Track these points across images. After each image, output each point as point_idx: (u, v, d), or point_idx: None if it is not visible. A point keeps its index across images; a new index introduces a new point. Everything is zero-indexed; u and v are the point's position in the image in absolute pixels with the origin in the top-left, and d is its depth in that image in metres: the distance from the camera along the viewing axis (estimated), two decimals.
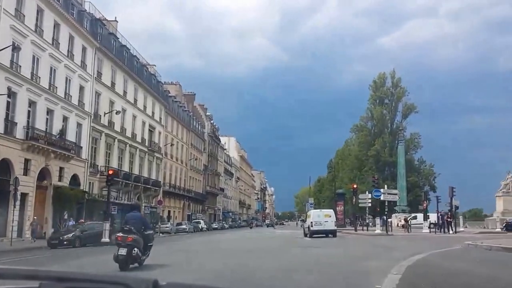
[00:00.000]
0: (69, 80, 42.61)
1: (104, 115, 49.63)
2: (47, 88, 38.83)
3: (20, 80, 34.92)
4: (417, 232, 44.60)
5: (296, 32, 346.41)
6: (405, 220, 49.69)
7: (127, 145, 55.50)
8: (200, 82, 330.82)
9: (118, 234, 14.22)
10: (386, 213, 45.25)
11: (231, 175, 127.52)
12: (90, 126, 46.43)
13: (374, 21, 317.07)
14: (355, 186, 52.31)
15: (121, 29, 59.12)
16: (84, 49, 45.45)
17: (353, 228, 53.57)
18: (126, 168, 55.01)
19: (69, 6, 42.82)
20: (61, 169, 41.14)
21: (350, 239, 35.89)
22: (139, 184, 57.79)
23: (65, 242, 29.10)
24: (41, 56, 37.85)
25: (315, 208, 61.09)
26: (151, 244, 14.85)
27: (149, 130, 63.08)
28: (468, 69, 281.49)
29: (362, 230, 49.49)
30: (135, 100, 58.27)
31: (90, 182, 46.69)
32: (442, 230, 44.39)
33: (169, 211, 71.66)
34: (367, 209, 50.12)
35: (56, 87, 40.29)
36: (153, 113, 64.58)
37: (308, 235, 37.50)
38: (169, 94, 74.91)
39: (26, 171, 35.90)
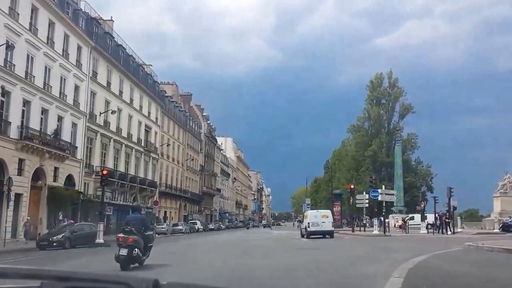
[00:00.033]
0: (64, 79, 42.21)
1: (100, 115, 49.23)
2: (42, 87, 38.43)
3: (14, 79, 34.51)
4: (414, 233, 44.29)
5: (294, 32, 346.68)
6: (403, 220, 49.36)
7: (123, 145, 55.12)
8: (198, 82, 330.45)
9: (119, 235, 14.37)
10: (383, 213, 44.92)
11: (228, 175, 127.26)
12: (85, 126, 46.03)
13: (372, 21, 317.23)
14: (352, 186, 51.99)
15: (118, 30, 58.86)
16: (79, 48, 45.06)
17: (350, 228, 53.30)
18: (121, 168, 54.64)
19: (64, 4, 42.45)
20: (56, 169, 40.75)
21: (348, 240, 35.53)
22: (135, 185, 57.42)
23: (54, 244, 28.37)
24: (36, 55, 37.45)
25: (312, 209, 60.77)
26: (151, 244, 15.15)
27: (145, 130, 62.70)
28: (467, 69, 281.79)
29: (359, 231, 49.17)
30: (131, 100, 57.89)
31: (85, 183, 46.31)
32: (440, 230, 44.11)
33: (165, 212, 71.32)
34: (364, 209, 49.90)
35: (51, 87, 39.89)
36: (149, 113, 64.21)
37: (305, 236, 37.22)
38: (166, 94, 74.61)
39: (20, 171, 35.49)
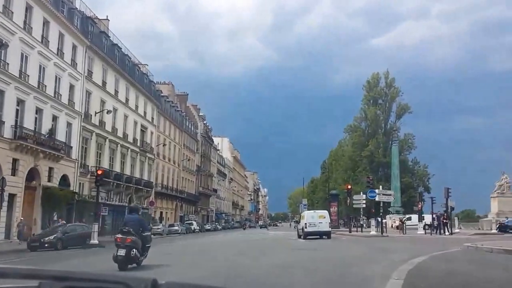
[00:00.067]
0: (59, 78, 41.81)
1: (95, 115, 48.83)
2: (36, 86, 38.03)
3: (8, 78, 34.12)
4: (412, 234, 44.04)
5: (291, 32, 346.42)
6: (401, 221, 49.13)
7: (119, 145, 54.73)
8: (194, 82, 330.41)
9: (117, 236, 14.59)
10: (381, 214, 44.66)
11: (224, 176, 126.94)
12: (80, 125, 45.65)
13: (368, 21, 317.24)
14: (349, 186, 51.75)
15: (114, 29, 58.46)
16: (74, 48, 44.66)
17: (347, 229, 53.09)
18: (117, 168, 54.28)
19: (59, 3, 42.06)
20: (50, 169, 40.36)
21: (345, 240, 35.26)
22: (131, 185, 57.06)
23: (46, 245, 27.82)
24: (30, 54, 37.06)
25: (308, 209, 60.45)
26: (149, 245, 15.35)
27: (141, 130, 62.31)
28: (464, 69, 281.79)
29: (357, 231, 48.97)
30: (127, 100, 57.51)
31: (80, 183, 45.92)
32: (438, 231, 43.87)
33: (161, 212, 70.95)
34: (361, 210, 49.66)
35: (46, 86, 39.49)
36: (145, 113, 63.83)
37: (302, 237, 36.95)
38: (162, 94, 74.23)
39: (14, 171, 35.11)
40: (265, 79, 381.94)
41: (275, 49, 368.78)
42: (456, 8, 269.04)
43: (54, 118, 41.15)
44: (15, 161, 35.20)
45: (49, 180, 40.11)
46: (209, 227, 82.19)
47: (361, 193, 49.12)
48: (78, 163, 45.24)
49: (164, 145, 71.70)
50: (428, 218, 49.07)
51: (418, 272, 12.34)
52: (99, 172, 35.78)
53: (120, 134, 55.27)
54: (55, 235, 28.86)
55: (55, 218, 38.49)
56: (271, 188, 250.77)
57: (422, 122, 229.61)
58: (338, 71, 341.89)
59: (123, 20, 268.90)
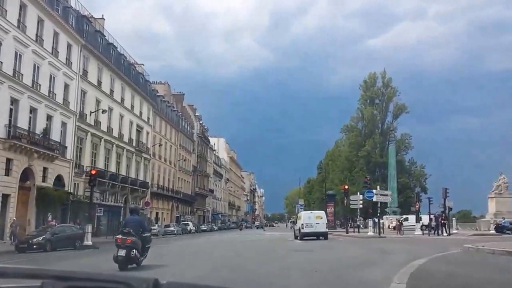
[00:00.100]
0: (54, 77, 41.38)
1: (90, 114, 48.39)
2: (30, 85, 37.60)
3: (2, 77, 33.71)
4: (409, 234, 43.71)
5: (287, 33, 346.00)
6: (399, 221, 48.80)
7: (114, 145, 54.28)
8: (191, 82, 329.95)
9: (117, 236, 14.92)
10: (378, 214, 44.33)
11: (221, 176, 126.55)
12: (75, 125, 45.23)
13: (365, 22, 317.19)
14: (346, 187, 51.42)
15: (111, 30, 57.95)
16: (69, 46, 44.23)
17: (344, 230, 52.81)
18: (112, 168, 53.82)
19: (53, 2, 41.67)
20: (45, 169, 39.94)
21: (343, 241, 34.88)
22: (126, 185, 56.64)
23: (34, 246, 27.08)
24: (24, 53, 36.66)
25: (305, 210, 60.11)
26: (148, 245, 15.62)
27: (136, 130, 61.86)
28: (460, 70, 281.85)
29: (354, 232, 48.70)
30: (122, 99, 57.06)
31: (75, 183, 45.46)
32: (436, 232, 43.54)
33: (157, 213, 70.54)
34: (358, 210, 49.36)
35: (40, 85, 39.04)
36: (140, 112, 63.40)
37: (298, 238, 36.59)
38: (158, 94, 73.80)
39: (8, 171, 34.73)
40: (262, 80, 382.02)
41: (272, 50, 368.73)
42: (453, 9, 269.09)
43: (49, 118, 40.73)
44: (8, 161, 34.79)
45: (43, 180, 39.69)
46: (205, 228, 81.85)
47: (358, 193, 48.78)
48: (73, 163, 44.80)
49: (160, 145, 71.30)
50: (425, 219, 48.81)
51: (420, 275, 11.97)
52: (93, 172, 35.41)
53: (115, 134, 54.82)
54: (43, 236, 28.14)
55: (50, 218, 37.92)
56: (267, 188, 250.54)
57: (418, 122, 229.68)
58: (334, 71, 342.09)
59: (120, 20, 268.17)
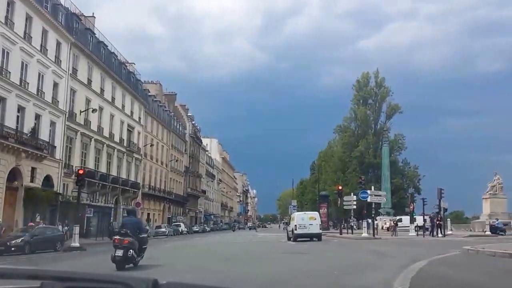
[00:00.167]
0: (42, 76, 40.56)
1: (80, 114, 47.59)
2: (18, 84, 36.77)
3: None
4: (404, 236, 43.17)
5: (280, 34, 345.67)
6: (394, 222, 48.33)
7: (104, 145, 53.47)
8: (184, 84, 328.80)
9: (115, 237, 15.38)
10: (373, 215, 43.78)
11: (213, 177, 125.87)
12: (64, 124, 44.38)
13: (357, 23, 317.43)
14: (340, 187, 50.91)
15: (104, 32, 57.17)
16: (58, 44, 43.44)
17: (338, 231, 52.30)
18: (103, 169, 53.02)
19: None
20: (33, 169, 39.12)
21: (337, 243, 34.29)
22: (117, 186, 55.88)
23: (13, 248, 26.12)
24: (12, 50, 35.86)
25: (298, 211, 59.53)
26: (145, 246, 16.02)
27: (127, 130, 61.08)
28: (453, 70, 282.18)
29: (347, 233, 48.18)
30: (113, 99, 56.26)
31: (64, 184, 44.64)
32: (431, 233, 43.02)
33: (148, 214, 69.72)
34: (352, 211, 48.86)
35: (28, 83, 38.22)
36: (132, 112, 62.60)
37: (292, 239, 36.05)
38: (149, 94, 73.03)
39: None
40: (255, 81, 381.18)
41: (264, 51, 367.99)
42: (445, 9, 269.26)
43: (37, 117, 39.91)
44: None
45: (31, 181, 38.89)
46: (197, 229, 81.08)
47: (352, 194, 48.29)
48: (62, 163, 44.00)
49: (151, 145, 70.55)
50: (419, 220, 48.36)
51: (422, 279, 11.32)
52: (80, 171, 34.55)
53: (106, 133, 54.03)
54: (22, 238, 27.18)
55: (38, 219, 37.23)
56: (260, 189, 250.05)
57: (409, 123, 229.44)
58: (327, 72, 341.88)
59: (112, 21, 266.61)
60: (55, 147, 42.81)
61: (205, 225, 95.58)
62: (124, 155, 59.63)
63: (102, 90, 53.02)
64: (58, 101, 43.22)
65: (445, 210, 45.67)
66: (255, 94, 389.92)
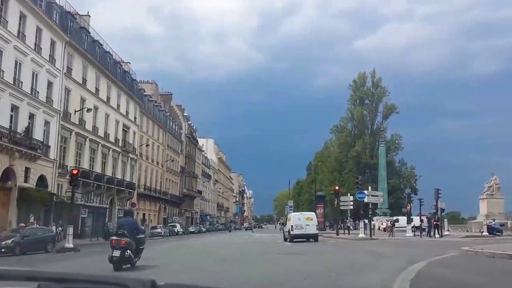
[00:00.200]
0: (36, 75, 40.14)
1: (75, 113, 47.12)
2: (12, 83, 36.37)
3: None
4: (401, 236, 42.94)
5: (277, 34, 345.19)
6: (391, 223, 48.06)
7: (99, 145, 53.05)
8: (181, 84, 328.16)
9: (112, 237, 15.56)
10: (370, 215, 43.51)
11: (209, 177, 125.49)
12: (59, 124, 43.95)
13: (353, 23, 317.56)
14: (337, 187, 50.64)
15: (100, 32, 56.77)
16: (52, 43, 43.02)
17: (334, 231, 52.02)
18: (98, 169, 52.61)
19: None
20: (27, 169, 38.71)
21: (334, 244, 33.98)
22: (112, 186, 55.45)
23: (3, 250, 25.59)
24: (5, 49, 35.44)
25: (294, 211, 59.22)
26: (142, 247, 16.13)
27: (123, 129, 60.66)
28: (447, 72, 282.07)
29: (344, 234, 47.90)
30: (108, 98, 55.83)
31: (58, 184, 44.23)
32: (428, 234, 42.76)
33: (144, 214, 69.33)
34: (348, 212, 48.60)
35: (22, 82, 37.82)
36: (127, 112, 62.19)
37: (288, 240, 35.75)
38: (145, 93, 72.60)
39: None
40: (251, 81, 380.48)
41: (261, 51, 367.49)
42: (441, 10, 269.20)
43: (31, 116, 39.51)
44: None
45: (25, 181, 38.47)
46: (193, 230, 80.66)
47: (348, 194, 48.05)
48: (56, 163, 43.60)
49: (147, 145, 70.16)
50: (416, 220, 48.11)
51: (422, 282, 11.01)
52: (74, 171, 34.13)
53: (101, 133, 53.62)
54: (13, 239, 26.63)
55: (32, 220, 36.85)
56: (256, 189, 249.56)
57: (406, 124, 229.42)
58: (323, 72, 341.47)
59: (108, 21, 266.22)
60: (49, 147, 42.44)
61: (201, 225, 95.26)
62: (119, 155, 59.24)
63: (97, 89, 52.61)
64: (52, 101, 42.82)
65: (442, 210, 45.39)
66: (252, 94, 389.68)
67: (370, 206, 43.23)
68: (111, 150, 56.31)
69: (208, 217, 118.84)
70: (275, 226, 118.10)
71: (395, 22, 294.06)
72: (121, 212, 56.23)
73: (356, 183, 46.39)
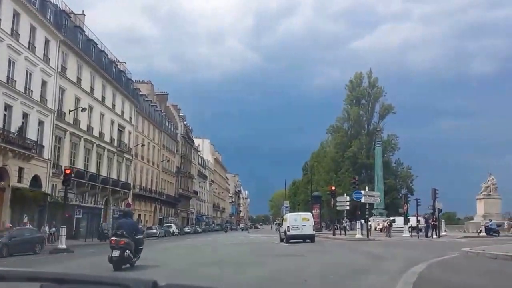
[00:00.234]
0: (30, 74, 39.67)
1: (69, 113, 46.63)
2: (5, 82, 35.95)
3: None
4: (398, 237, 42.68)
5: (273, 34, 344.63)
6: (388, 223, 47.76)
7: (94, 145, 52.58)
8: (177, 84, 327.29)
9: (111, 238, 15.91)
10: (367, 216, 43.19)
11: (205, 177, 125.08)
12: (53, 124, 43.49)
13: (349, 24, 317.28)
14: (333, 188, 50.33)
15: (100, 32, 56.28)
16: (47, 42, 42.54)
17: (331, 232, 51.70)
18: (93, 169, 52.10)
19: None
20: (20, 169, 38.24)
21: (331, 245, 33.60)
22: (107, 186, 54.96)
23: None
24: None
25: (290, 212, 58.87)
26: (141, 247, 16.40)
27: (118, 129, 60.19)
28: (444, 72, 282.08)
29: (340, 234, 47.59)
30: (103, 98, 55.35)
31: (53, 184, 43.74)
32: (426, 234, 42.44)
33: (139, 215, 68.75)
34: (345, 212, 48.29)
35: (15, 81, 37.38)
36: (122, 112, 61.71)
37: (284, 240, 35.47)
38: (140, 93, 72.13)
39: None
40: (247, 81, 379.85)
41: (257, 51, 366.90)
42: (437, 11, 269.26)
43: (25, 116, 39.05)
44: None
45: (19, 181, 38.02)
46: (188, 230, 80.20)
47: (345, 194, 47.73)
48: (50, 163, 43.14)
49: (142, 145, 69.69)
50: (413, 221, 47.83)
51: (425, 285, 10.68)
52: (67, 171, 33.69)
53: (96, 133, 53.15)
54: None
55: (25, 220, 36.34)
56: (252, 190, 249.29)
57: (402, 124, 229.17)
58: (320, 73, 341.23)
59: (105, 21, 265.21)
60: (43, 146, 41.99)
61: (196, 226, 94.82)
62: (115, 155, 58.78)
63: (92, 89, 52.13)
64: (46, 100, 42.36)
65: (440, 210, 45.14)
66: (247, 94, 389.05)
67: (367, 207, 42.94)
68: (106, 150, 55.85)
69: (204, 217, 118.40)
70: (271, 227, 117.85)
71: (392, 23, 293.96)
72: (116, 212, 55.92)
73: (353, 183, 46.07)
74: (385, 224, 49.97)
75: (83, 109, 47.91)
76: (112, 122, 58.20)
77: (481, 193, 56.40)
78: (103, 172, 54.99)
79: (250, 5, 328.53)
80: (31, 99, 39.72)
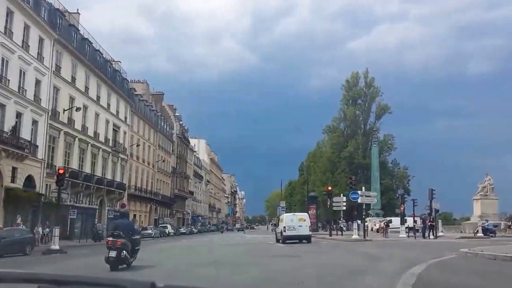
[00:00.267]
0: (24, 72, 39.31)
1: (64, 112, 46.27)
2: None
3: None
4: (394, 237, 42.41)
5: (270, 35, 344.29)
6: (385, 224, 47.50)
7: (89, 144, 52.20)
8: (173, 84, 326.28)
9: (108, 238, 15.88)
10: (363, 216, 42.94)
11: (201, 178, 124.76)
12: (47, 123, 43.11)
13: (346, 24, 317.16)
14: (329, 188, 50.06)
15: (97, 32, 55.90)
16: (41, 40, 42.16)
17: (327, 232, 51.43)
18: (87, 169, 51.71)
19: None
20: (14, 169, 37.89)
21: (327, 245, 33.35)
22: (102, 187, 54.56)
23: None
24: None
25: (286, 212, 58.56)
26: (138, 247, 16.43)
27: (113, 129, 59.82)
28: (441, 72, 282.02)
29: (337, 235, 47.34)
30: (98, 97, 54.96)
31: (47, 184, 43.32)
32: (423, 234, 42.20)
33: (134, 215, 68.35)
34: (341, 212, 48.04)
35: (9, 80, 37.06)
36: (117, 111, 61.32)
37: (280, 241, 35.13)
38: (136, 93, 71.75)
39: None
40: (244, 82, 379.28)
41: (254, 51, 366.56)
42: (434, 11, 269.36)
43: (18, 115, 38.69)
44: None
45: (12, 181, 37.69)
46: (184, 231, 79.91)
47: (341, 195, 47.49)
48: (44, 163, 42.75)
49: (137, 145, 69.33)
50: (409, 221, 47.58)
51: (424, 287, 10.39)
52: (60, 171, 33.28)
53: (90, 133, 52.79)
54: None
55: (19, 221, 35.95)
56: (248, 190, 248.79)
57: (399, 124, 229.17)
58: (317, 73, 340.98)
59: (103, 21, 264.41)
60: (37, 146, 41.61)
61: (192, 226, 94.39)
62: (110, 155, 58.39)
63: (86, 88, 51.76)
64: (40, 99, 41.98)
65: (437, 211, 44.91)
66: (244, 94, 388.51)
67: (364, 207, 42.69)
68: (101, 150, 55.48)
69: (199, 218, 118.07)
70: (267, 227, 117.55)
71: (389, 23, 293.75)
72: (111, 213, 55.51)
73: (350, 183, 45.83)
74: (382, 224, 49.73)
75: (78, 109, 47.52)
76: (107, 121, 57.83)
77: (478, 193, 56.23)
78: (98, 172, 54.62)
79: (247, 5, 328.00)
80: (25, 98, 39.36)
